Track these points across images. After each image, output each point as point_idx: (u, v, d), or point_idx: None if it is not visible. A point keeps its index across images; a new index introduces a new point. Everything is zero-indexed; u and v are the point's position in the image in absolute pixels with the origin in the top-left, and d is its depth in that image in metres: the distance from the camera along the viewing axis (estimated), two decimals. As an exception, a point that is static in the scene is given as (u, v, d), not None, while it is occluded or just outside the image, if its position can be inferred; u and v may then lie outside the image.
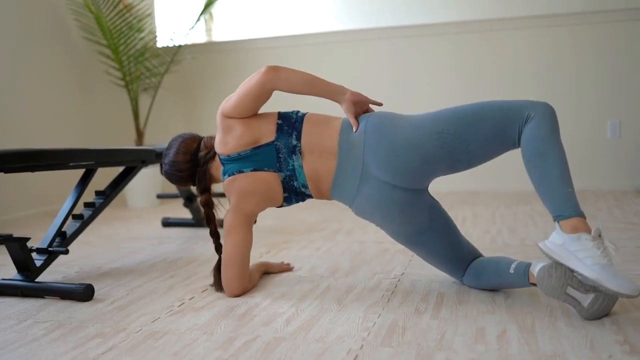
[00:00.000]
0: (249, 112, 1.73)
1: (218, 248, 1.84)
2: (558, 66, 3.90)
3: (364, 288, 1.82)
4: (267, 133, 1.73)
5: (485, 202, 3.50)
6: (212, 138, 1.86)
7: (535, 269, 1.51)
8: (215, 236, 1.84)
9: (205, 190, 1.83)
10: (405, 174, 1.60)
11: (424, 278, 1.89)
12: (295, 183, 1.73)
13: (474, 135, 1.55)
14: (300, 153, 1.70)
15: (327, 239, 2.59)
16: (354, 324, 1.50)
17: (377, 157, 1.61)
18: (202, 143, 1.86)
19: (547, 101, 1.58)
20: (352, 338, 1.40)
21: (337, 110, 1.79)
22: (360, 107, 1.72)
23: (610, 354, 1.25)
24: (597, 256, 1.38)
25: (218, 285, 1.82)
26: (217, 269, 1.82)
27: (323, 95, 1.70)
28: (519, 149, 1.56)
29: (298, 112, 1.77)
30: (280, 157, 1.71)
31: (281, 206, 1.80)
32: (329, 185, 1.70)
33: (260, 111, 1.78)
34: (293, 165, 1.71)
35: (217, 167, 1.83)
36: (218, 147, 1.78)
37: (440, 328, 1.44)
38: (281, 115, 1.76)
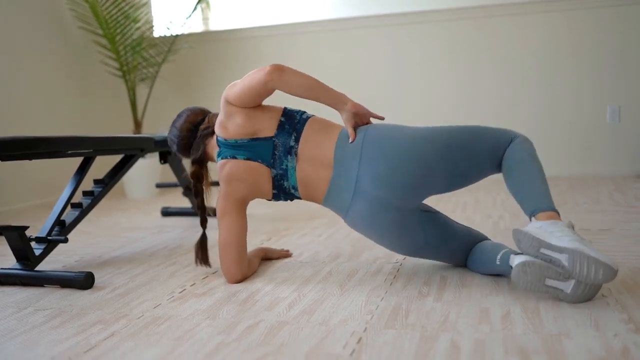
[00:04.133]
0: (251, 104, 1.72)
1: (203, 222, 1.84)
2: (556, 51, 3.88)
3: (366, 272, 1.81)
4: (268, 127, 1.71)
5: (485, 187, 3.49)
6: (216, 116, 1.87)
7: (512, 263, 1.46)
8: (201, 209, 1.84)
9: (196, 162, 1.83)
10: (402, 188, 1.58)
11: (426, 262, 1.88)
12: (285, 183, 1.72)
13: (472, 154, 1.61)
14: (296, 155, 1.69)
15: (328, 226, 2.58)
16: (357, 308, 1.49)
17: (374, 170, 1.59)
18: (207, 118, 1.89)
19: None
20: (355, 321, 1.40)
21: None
22: (361, 118, 1.69)
23: (616, 332, 1.24)
24: (574, 236, 1.40)
25: (200, 260, 1.83)
26: (200, 244, 1.83)
27: (324, 102, 1.68)
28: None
29: (303, 113, 1.76)
30: (276, 155, 1.70)
31: (270, 200, 1.79)
32: (322, 194, 1.70)
33: (268, 102, 1.77)
34: (286, 166, 1.70)
35: (213, 146, 1.83)
36: (217, 129, 1.77)
37: (444, 310, 1.44)
38: (286, 113, 1.74)
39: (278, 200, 1.77)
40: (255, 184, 1.73)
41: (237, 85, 1.71)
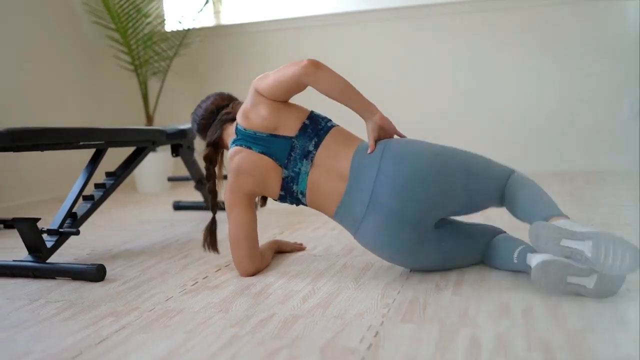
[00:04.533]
0: (280, 98, 1.68)
1: (214, 207, 1.80)
2: (571, 44, 3.81)
3: (381, 266, 1.77)
4: (290, 127, 1.67)
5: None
6: (240, 105, 1.85)
7: (531, 263, 1.42)
8: (212, 194, 1.80)
9: (211, 145, 1.81)
10: (420, 202, 1.52)
11: (443, 256, 1.84)
12: (294, 187, 1.67)
13: (484, 179, 1.60)
14: (312, 161, 1.65)
15: (341, 220, 2.54)
16: (372, 301, 1.45)
17: (393, 182, 1.53)
18: (231, 104, 1.89)
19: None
20: (371, 314, 1.36)
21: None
22: (385, 133, 1.65)
23: (643, 328, 1.20)
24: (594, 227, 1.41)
25: (208, 245, 1.79)
26: (209, 228, 1.80)
27: (353, 108, 1.63)
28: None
29: (329, 120, 1.72)
30: (291, 156, 1.66)
31: (275, 200, 1.75)
32: (334, 206, 1.64)
33: (297, 100, 1.73)
34: (300, 169, 1.66)
35: (230, 134, 1.80)
36: (239, 117, 1.73)
37: (463, 304, 1.40)
38: (311, 117, 1.70)
39: (284, 202, 1.72)
40: (263, 181, 1.69)
41: (270, 76, 1.67)
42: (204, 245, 1.80)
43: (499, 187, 1.61)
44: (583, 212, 2.46)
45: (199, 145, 3.13)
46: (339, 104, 1.65)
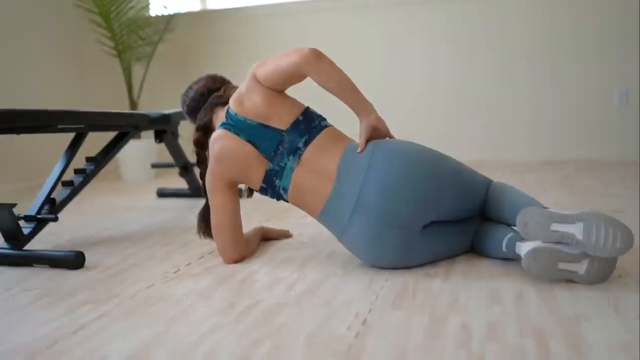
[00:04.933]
0: (278, 86, 1.62)
1: (205, 192, 1.74)
2: (560, 32, 3.78)
3: (369, 253, 1.73)
4: (283, 119, 1.61)
5: (491, 170, 3.41)
6: (234, 89, 1.78)
7: (520, 251, 1.40)
8: (203, 179, 1.74)
9: (201, 128, 1.76)
10: (410, 203, 1.46)
11: (432, 243, 1.80)
12: (277, 181, 1.61)
13: (473, 185, 1.58)
14: (299, 158, 1.59)
15: (328, 207, 2.50)
16: (361, 288, 1.42)
17: (382, 181, 1.48)
18: (223, 88, 1.81)
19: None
20: (359, 302, 1.32)
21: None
22: (377, 134, 1.60)
23: (636, 314, 1.17)
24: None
25: (202, 231, 1.76)
26: (202, 214, 1.76)
27: (349, 103, 1.58)
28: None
29: (324, 120, 1.67)
30: (279, 150, 1.60)
31: (256, 191, 1.70)
32: (319, 207, 1.58)
33: (294, 91, 1.67)
34: (286, 164, 1.60)
35: (220, 118, 1.74)
36: (232, 101, 1.67)
37: (453, 291, 1.36)
38: (306, 112, 1.65)
39: (264, 194, 1.67)
40: (245, 171, 1.63)
41: (269, 64, 1.61)
42: (198, 232, 1.76)
43: (483, 193, 1.60)
44: (574, 199, 2.43)
45: (184, 131, 3.07)
46: (334, 101, 1.60)
